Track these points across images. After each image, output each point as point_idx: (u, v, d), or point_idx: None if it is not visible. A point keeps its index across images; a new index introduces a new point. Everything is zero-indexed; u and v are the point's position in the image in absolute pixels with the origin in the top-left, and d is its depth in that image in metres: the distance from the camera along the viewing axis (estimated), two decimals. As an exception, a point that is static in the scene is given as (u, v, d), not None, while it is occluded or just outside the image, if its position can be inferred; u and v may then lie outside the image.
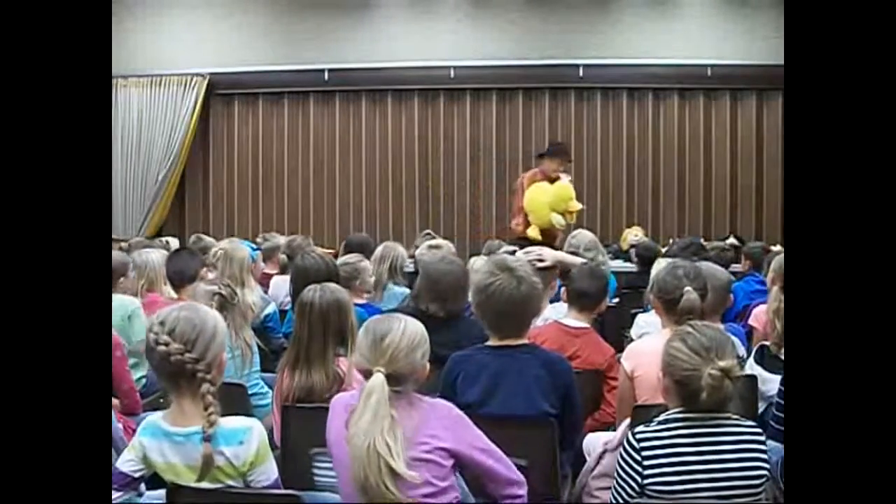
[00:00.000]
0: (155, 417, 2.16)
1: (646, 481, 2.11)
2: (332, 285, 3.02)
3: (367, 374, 2.13)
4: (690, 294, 2.97)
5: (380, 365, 2.10)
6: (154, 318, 2.12)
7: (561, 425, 2.59)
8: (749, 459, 2.13)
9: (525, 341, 2.74)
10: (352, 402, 2.13)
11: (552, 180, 6.90)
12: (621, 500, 2.16)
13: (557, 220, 6.73)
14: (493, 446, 2.21)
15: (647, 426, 2.18)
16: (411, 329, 2.17)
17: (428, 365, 2.21)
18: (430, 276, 3.51)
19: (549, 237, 6.53)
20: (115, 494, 2.12)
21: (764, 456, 2.16)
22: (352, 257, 4.48)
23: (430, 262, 3.77)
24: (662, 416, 2.19)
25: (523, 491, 2.25)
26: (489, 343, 2.75)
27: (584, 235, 5.42)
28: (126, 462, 2.15)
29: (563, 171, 7.04)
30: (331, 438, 2.20)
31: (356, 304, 4.04)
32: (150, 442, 2.11)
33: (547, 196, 6.79)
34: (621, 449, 2.20)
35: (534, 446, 2.44)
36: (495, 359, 2.68)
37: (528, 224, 6.86)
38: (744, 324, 4.13)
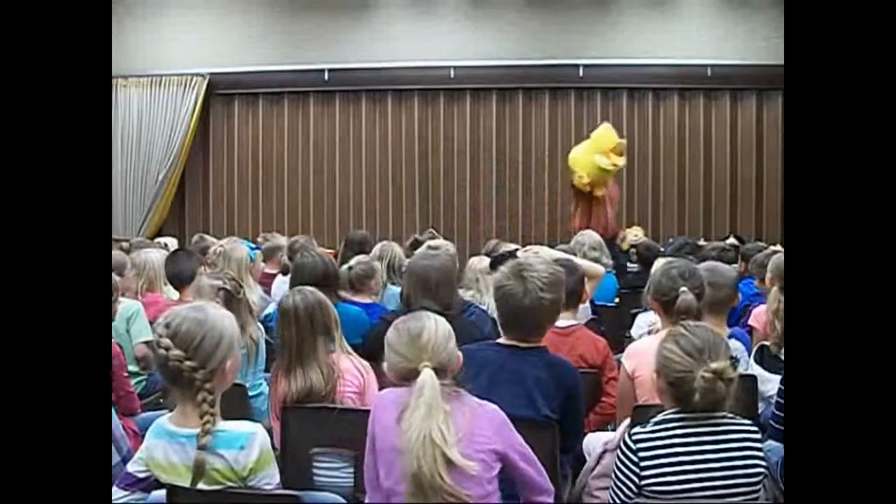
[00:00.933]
0: (162, 419, 2.15)
1: (643, 482, 2.11)
2: (308, 288, 3.00)
3: (407, 375, 2.12)
4: (686, 294, 2.97)
5: (424, 361, 2.10)
6: (161, 318, 2.10)
7: (561, 429, 2.59)
8: (745, 458, 2.13)
9: (534, 344, 2.73)
10: (401, 397, 2.11)
11: None
12: (619, 501, 2.16)
13: (601, 161, 6.66)
14: (531, 451, 2.23)
15: (643, 427, 2.18)
16: (441, 322, 2.21)
17: (460, 355, 2.23)
18: (418, 274, 3.50)
19: (607, 231, 6.42)
20: (120, 493, 2.12)
21: (760, 454, 2.16)
22: (365, 258, 4.47)
23: (414, 261, 3.78)
24: (658, 417, 2.19)
25: (552, 500, 2.27)
26: (500, 340, 2.75)
27: (589, 235, 5.42)
28: (133, 462, 2.17)
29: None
30: (376, 432, 2.17)
31: (362, 303, 4.05)
32: (156, 441, 2.11)
33: (587, 147, 6.82)
34: (618, 450, 2.20)
35: (534, 447, 2.44)
36: (500, 357, 2.68)
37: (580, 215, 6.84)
38: (744, 324, 4.13)
